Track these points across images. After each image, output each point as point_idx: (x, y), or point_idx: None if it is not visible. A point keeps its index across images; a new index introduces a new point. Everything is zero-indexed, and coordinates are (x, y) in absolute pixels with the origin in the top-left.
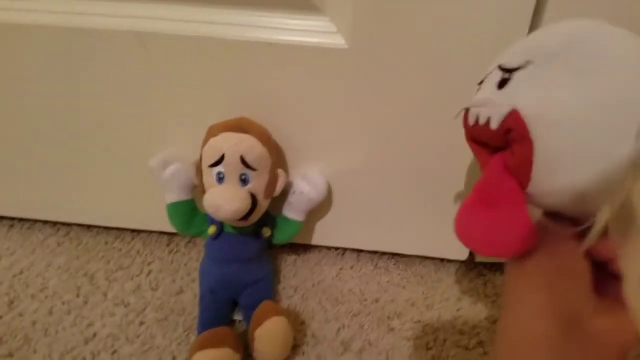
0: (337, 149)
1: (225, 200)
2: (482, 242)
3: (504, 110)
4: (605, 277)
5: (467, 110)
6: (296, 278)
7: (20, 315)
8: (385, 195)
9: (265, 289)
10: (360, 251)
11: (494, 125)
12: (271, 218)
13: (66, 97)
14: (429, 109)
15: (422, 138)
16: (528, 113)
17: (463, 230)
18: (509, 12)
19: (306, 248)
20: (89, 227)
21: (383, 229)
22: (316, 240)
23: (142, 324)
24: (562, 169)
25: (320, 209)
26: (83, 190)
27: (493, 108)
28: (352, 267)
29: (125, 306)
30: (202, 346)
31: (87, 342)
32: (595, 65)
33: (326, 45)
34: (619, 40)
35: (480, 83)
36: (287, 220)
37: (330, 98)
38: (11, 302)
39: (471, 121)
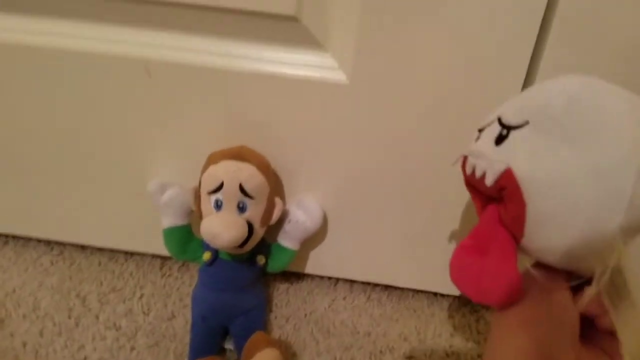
0: (335, 179)
1: (222, 228)
2: (472, 288)
3: (499, 168)
4: (592, 329)
5: (465, 158)
6: (288, 307)
7: (11, 335)
8: (379, 226)
9: (257, 318)
10: (353, 281)
11: (489, 182)
12: (266, 246)
13: (66, 118)
14: (425, 147)
15: (418, 173)
16: (521, 174)
17: (455, 274)
18: (508, 57)
19: (298, 276)
20: (83, 247)
21: (376, 260)
22: (309, 269)
23: (132, 349)
24: (552, 230)
25: (314, 237)
26: (78, 209)
27: (488, 163)
28: (344, 298)
29: (117, 329)
30: None
31: None
32: (591, 134)
33: (327, 80)
34: (616, 105)
35: (481, 130)
36: (281, 248)
37: (329, 131)
38: (2, 321)
39: (468, 170)
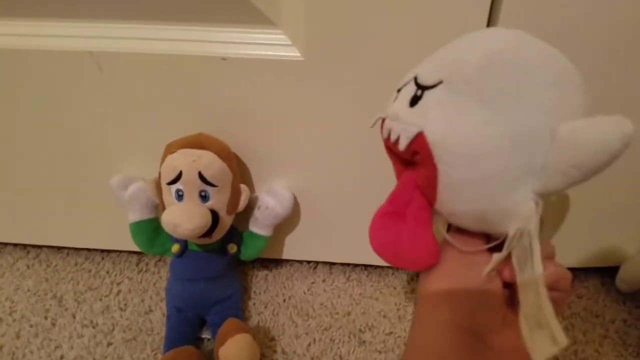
0: (302, 161)
1: (182, 218)
2: (389, 252)
3: (411, 132)
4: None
5: (383, 120)
6: (266, 293)
7: None
8: (355, 205)
9: (232, 306)
10: (332, 264)
11: (402, 146)
12: (237, 234)
13: (27, 120)
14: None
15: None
16: (433, 138)
17: (373, 238)
18: (462, 21)
19: (277, 263)
20: (59, 248)
21: (354, 240)
22: (287, 254)
23: (109, 344)
24: (463, 195)
25: (289, 222)
26: (51, 212)
27: (402, 127)
28: (323, 281)
29: (94, 327)
30: None
31: None
32: (508, 96)
33: (281, 57)
34: (538, 64)
35: (399, 90)
36: (253, 235)
37: (289, 110)
38: None
39: (384, 134)
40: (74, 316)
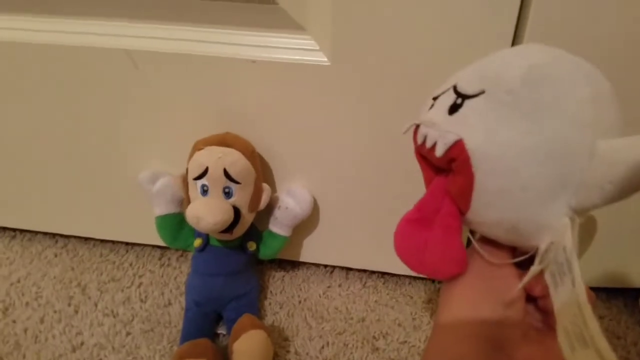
0: (324, 164)
1: (206, 212)
2: (414, 260)
3: (450, 139)
4: (537, 308)
5: (416, 126)
6: (282, 294)
7: (13, 321)
8: (373, 212)
9: (249, 304)
10: (349, 269)
11: (439, 152)
12: (257, 232)
13: (64, 114)
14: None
15: (410, 152)
16: (473, 147)
17: (398, 245)
18: (491, 21)
19: (294, 264)
20: (86, 239)
21: (373, 247)
22: (304, 256)
23: (128, 334)
24: (498, 205)
25: (308, 225)
26: (81, 203)
27: (440, 134)
28: (339, 285)
29: (114, 316)
30: (180, 356)
31: (74, 349)
32: (547, 110)
33: (308, 62)
34: (575, 81)
35: (435, 98)
36: (272, 234)
37: (315, 114)
38: (6, 309)
39: (419, 140)
40: (95, 305)
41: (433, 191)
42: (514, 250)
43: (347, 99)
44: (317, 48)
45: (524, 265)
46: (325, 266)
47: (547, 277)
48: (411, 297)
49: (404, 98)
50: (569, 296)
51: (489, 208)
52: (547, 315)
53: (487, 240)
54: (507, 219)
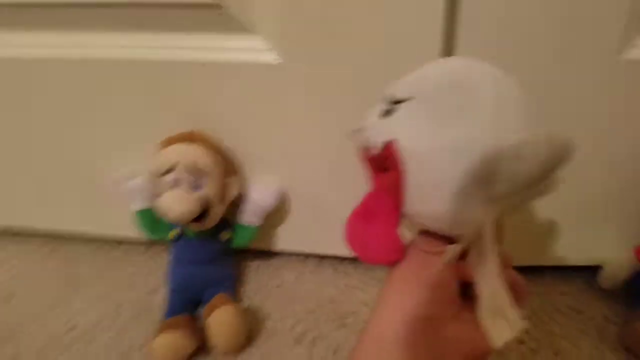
0: (289, 157)
1: (173, 204)
2: (360, 249)
3: (382, 139)
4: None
5: (355, 133)
6: (257, 282)
7: (14, 307)
8: (340, 202)
9: (227, 289)
10: (322, 257)
11: (374, 151)
12: (229, 223)
13: (37, 123)
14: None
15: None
16: (402, 145)
17: (347, 237)
18: (423, 31)
19: (268, 254)
20: (80, 236)
21: (342, 233)
22: (277, 245)
23: (117, 318)
24: (425, 198)
25: (280, 215)
26: (76, 202)
27: (374, 135)
28: (311, 272)
29: (104, 303)
30: (162, 330)
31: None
32: (458, 113)
33: (261, 61)
34: (485, 89)
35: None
36: (242, 225)
37: (271, 111)
38: (8, 298)
39: (357, 144)
40: (87, 293)
41: (375, 188)
42: (449, 241)
43: (299, 95)
44: (269, 47)
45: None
46: (299, 254)
47: (472, 258)
48: (379, 280)
49: (357, 92)
50: (485, 274)
51: (418, 201)
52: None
53: (426, 232)
54: (433, 209)
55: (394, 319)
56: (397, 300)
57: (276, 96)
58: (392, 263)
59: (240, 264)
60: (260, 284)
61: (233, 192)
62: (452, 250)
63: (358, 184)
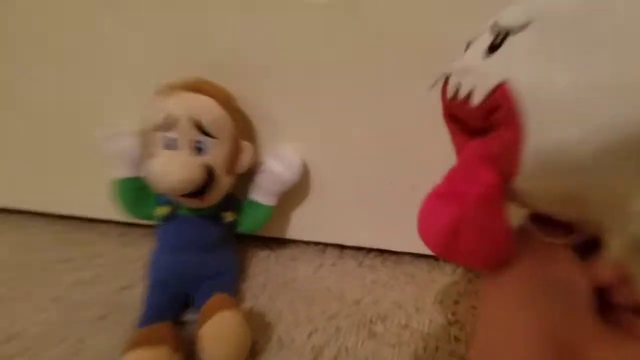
0: (317, 128)
1: (170, 166)
2: (443, 244)
3: (490, 82)
4: (605, 303)
5: (446, 79)
6: (265, 275)
7: None
8: (372, 184)
9: (225, 285)
10: (343, 247)
11: (476, 100)
12: (236, 202)
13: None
14: (416, 97)
15: (418, 121)
16: (521, 89)
17: (423, 226)
18: None
19: (281, 242)
20: (37, 214)
21: (369, 222)
22: (292, 233)
23: (76, 322)
24: (557, 163)
25: (297, 197)
26: (30, 173)
27: (477, 78)
28: (332, 264)
29: (62, 301)
30: (135, 344)
31: (8, 340)
32: (610, 41)
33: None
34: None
35: (469, 43)
36: (254, 203)
37: (309, 65)
38: None
39: (449, 93)
40: (41, 288)
41: (466, 159)
42: (570, 230)
43: (350, 47)
44: None
45: (581, 248)
46: (317, 244)
47: (629, 264)
48: (413, 277)
49: (405, 62)
50: None
51: (544, 170)
52: (622, 311)
53: (538, 216)
54: (570, 185)
55: (520, 344)
56: (518, 316)
57: (316, 46)
58: (496, 265)
59: (245, 253)
60: (269, 279)
61: (245, 161)
62: (610, 256)
63: (392, 167)
